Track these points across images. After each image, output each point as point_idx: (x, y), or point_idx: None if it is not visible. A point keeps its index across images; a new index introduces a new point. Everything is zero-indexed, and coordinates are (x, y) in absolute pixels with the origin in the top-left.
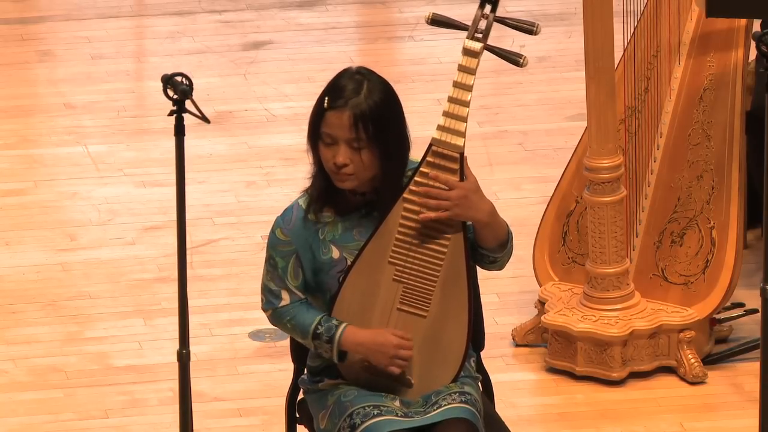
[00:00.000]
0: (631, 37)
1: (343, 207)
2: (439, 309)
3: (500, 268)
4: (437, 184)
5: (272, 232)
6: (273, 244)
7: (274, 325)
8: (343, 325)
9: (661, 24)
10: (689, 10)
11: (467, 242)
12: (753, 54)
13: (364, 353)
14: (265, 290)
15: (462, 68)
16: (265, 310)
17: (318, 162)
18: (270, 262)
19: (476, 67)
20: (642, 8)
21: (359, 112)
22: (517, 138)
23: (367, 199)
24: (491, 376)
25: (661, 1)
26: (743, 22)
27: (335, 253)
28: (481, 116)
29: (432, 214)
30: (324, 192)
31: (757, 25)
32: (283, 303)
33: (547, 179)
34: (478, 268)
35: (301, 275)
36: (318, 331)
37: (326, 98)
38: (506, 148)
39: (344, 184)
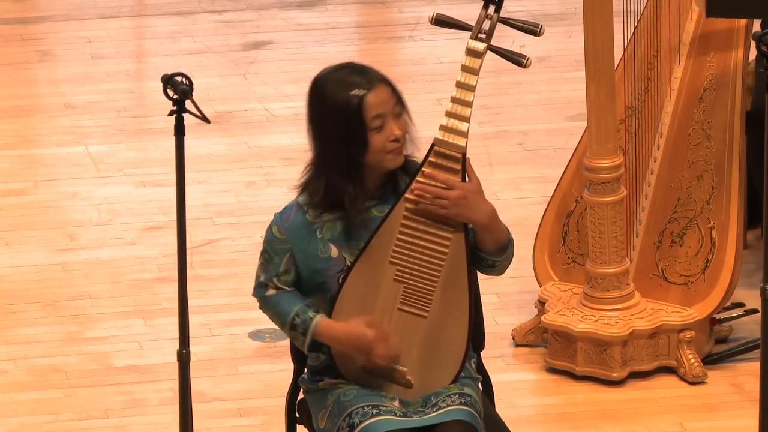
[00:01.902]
0: (631, 37)
1: (347, 206)
2: (440, 309)
3: (499, 273)
4: (437, 183)
5: (270, 228)
6: (269, 240)
7: (262, 311)
8: (318, 317)
9: (661, 24)
10: (689, 10)
11: (468, 243)
12: (753, 54)
13: (341, 348)
14: (256, 278)
15: (465, 68)
16: (254, 296)
17: (336, 163)
18: (264, 256)
19: (480, 68)
20: (642, 8)
21: (387, 80)
22: (517, 138)
23: (380, 193)
24: (491, 376)
25: (661, 1)
26: (743, 22)
27: (334, 252)
28: (481, 116)
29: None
30: (334, 193)
31: (757, 25)
32: (269, 293)
33: (547, 179)
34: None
35: (294, 272)
36: (295, 322)
37: (354, 91)
38: (506, 148)
39: (397, 159)
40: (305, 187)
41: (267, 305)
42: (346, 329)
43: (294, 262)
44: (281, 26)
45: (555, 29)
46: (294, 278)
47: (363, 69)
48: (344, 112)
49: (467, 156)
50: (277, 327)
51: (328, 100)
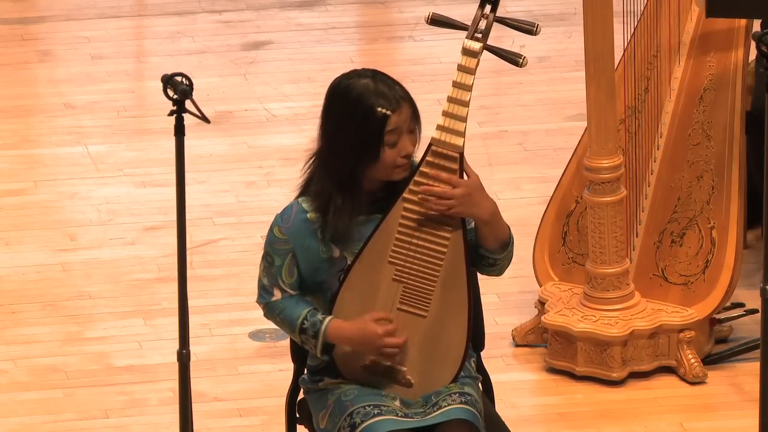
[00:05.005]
0: (631, 37)
1: (331, 216)
2: (439, 309)
3: (499, 273)
4: (441, 182)
5: (271, 229)
6: (271, 241)
7: (267, 318)
8: (328, 319)
9: (661, 24)
10: (689, 10)
11: (467, 242)
12: (753, 54)
13: (352, 347)
14: (260, 285)
15: (461, 68)
16: (258, 303)
17: (336, 170)
18: (267, 259)
19: (476, 67)
20: (642, 8)
21: (410, 97)
22: (517, 138)
23: (378, 197)
24: (491, 376)
25: (661, 1)
26: (743, 22)
27: (335, 253)
28: (481, 116)
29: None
30: (325, 199)
31: (757, 25)
32: (274, 298)
33: (547, 179)
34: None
35: (296, 274)
36: (304, 326)
37: (381, 107)
38: (506, 148)
39: (402, 173)
40: (305, 188)
41: (272, 312)
42: (356, 327)
43: (296, 263)
44: (281, 26)
45: (555, 29)
46: (297, 280)
47: (389, 82)
48: (366, 121)
49: (464, 155)
50: (277, 327)
51: (351, 105)
